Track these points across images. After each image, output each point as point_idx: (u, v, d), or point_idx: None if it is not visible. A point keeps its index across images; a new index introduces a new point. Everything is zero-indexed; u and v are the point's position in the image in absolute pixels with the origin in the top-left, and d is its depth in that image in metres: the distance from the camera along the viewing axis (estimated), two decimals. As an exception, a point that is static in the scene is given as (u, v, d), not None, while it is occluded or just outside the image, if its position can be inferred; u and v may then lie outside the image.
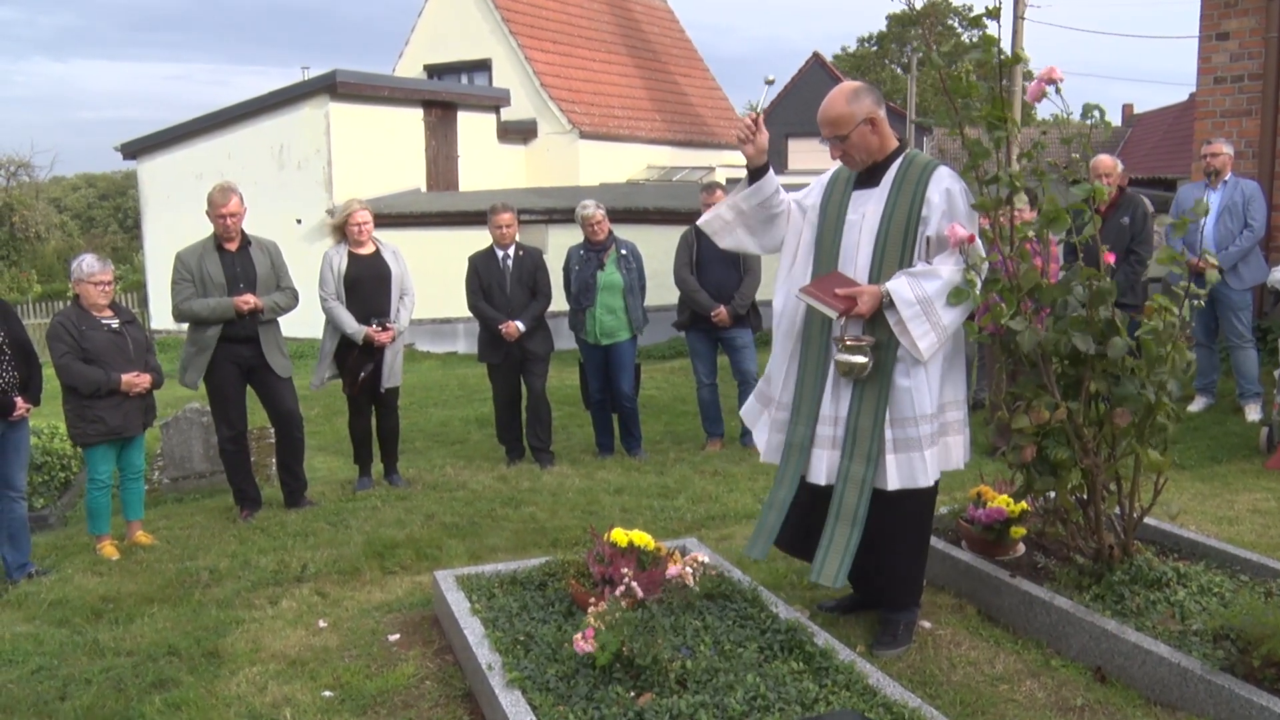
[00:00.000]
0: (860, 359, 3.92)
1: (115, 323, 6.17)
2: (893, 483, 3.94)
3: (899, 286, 3.84)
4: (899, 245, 3.94)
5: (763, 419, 4.38)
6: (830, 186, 4.22)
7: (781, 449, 4.23)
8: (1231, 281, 7.68)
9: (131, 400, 6.13)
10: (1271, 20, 9.10)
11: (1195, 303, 4.11)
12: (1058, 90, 3.90)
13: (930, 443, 3.95)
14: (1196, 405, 8.15)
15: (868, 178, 4.09)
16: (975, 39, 3.95)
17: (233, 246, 6.59)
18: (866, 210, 4.05)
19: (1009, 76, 4.60)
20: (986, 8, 3.93)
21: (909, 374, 3.92)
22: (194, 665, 4.37)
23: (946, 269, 3.84)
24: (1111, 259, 4.15)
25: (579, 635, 3.61)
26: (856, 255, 4.03)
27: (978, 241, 3.84)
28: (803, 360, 4.16)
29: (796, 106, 45.97)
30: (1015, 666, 3.97)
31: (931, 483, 4.01)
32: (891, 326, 3.88)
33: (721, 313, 7.83)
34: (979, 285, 3.86)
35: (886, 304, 3.87)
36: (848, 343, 3.93)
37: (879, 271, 3.96)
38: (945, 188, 3.91)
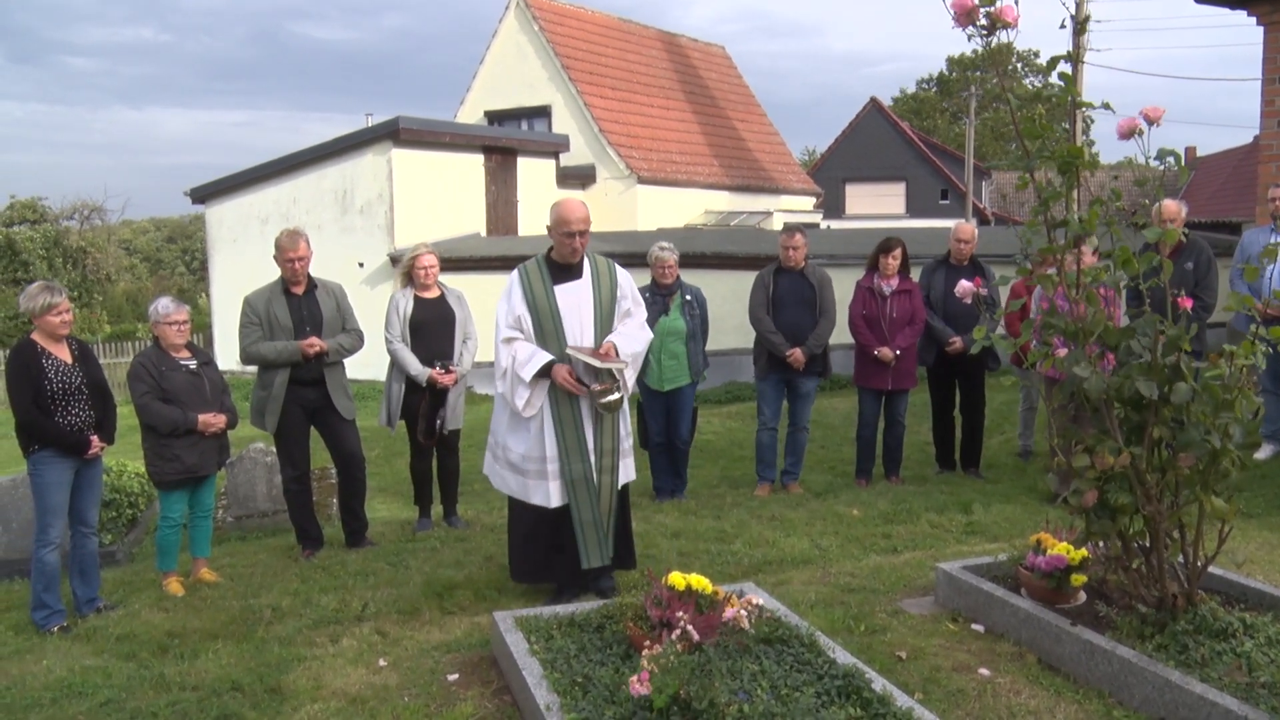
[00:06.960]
0: (616, 395, 5.34)
1: (193, 364, 6.34)
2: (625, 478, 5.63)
3: (621, 343, 5.43)
4: (610, 317, 5.55)
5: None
6: (526, 286, 5.50)
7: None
8: (1298, 327, 7.54)
9: (207, 440, 6.29)
10: (1336, 64, 8.99)
11: (1266, 349, 4.06)
12: (1142, 131, 3.88)
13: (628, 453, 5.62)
14: (1263, 453, 8.01)
15: (565, 273, 5.51)
16: (1038, 85, 4.01)
17: (299, 290, 6.75)
18: (580, 298, 5.48)
19: (1069, 120, 4.61)
20: (1068, 51, 3.98)
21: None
22: (257, 701, 4.43)
23: (641, 334, 5.58)
24: (1188, 304, 4.11)
25: (634, 678, 3.62)
26: (581, 330, 5.45)
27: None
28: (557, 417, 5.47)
29: (855, 151, 46.06)
30: (1076, 716, 3.91)
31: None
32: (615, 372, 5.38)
33: (796, 354, 7.84)
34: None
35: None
36: (597, 389, 5.31)
37: (601, 337, 5.48)
38: (626, 277, 5.66)
